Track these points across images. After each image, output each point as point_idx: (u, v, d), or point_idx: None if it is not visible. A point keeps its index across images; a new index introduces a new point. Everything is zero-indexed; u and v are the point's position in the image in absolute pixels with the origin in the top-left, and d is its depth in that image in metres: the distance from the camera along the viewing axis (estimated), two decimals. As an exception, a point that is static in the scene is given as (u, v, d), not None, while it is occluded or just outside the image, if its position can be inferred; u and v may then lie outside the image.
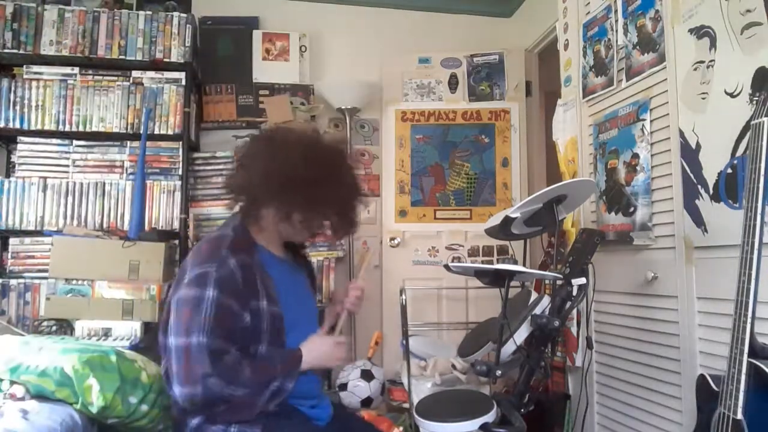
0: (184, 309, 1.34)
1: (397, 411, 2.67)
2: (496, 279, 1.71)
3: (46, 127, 2.59)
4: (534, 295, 2.07)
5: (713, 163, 1.65)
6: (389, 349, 3.09)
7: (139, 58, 2.66)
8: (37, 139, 2.63)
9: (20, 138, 2.61)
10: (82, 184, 2.61)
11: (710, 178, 1.66)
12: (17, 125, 2.57)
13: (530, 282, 2.42)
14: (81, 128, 2.62)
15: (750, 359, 1.23)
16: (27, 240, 2.55)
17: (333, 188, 1.46)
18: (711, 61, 1.66)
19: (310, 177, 1.42)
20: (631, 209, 2.01)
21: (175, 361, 1.33)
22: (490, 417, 1.63)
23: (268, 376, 1.37)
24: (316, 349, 1.48)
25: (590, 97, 2.29)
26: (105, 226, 2.60)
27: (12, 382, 1.53)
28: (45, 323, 2.32)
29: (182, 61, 2.69)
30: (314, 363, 1.46)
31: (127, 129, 2.65)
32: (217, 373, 1.30)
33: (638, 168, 1.98)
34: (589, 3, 2.33)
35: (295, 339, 1.47)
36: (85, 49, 2.62)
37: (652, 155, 1.93)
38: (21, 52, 2.57)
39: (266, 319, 1.40)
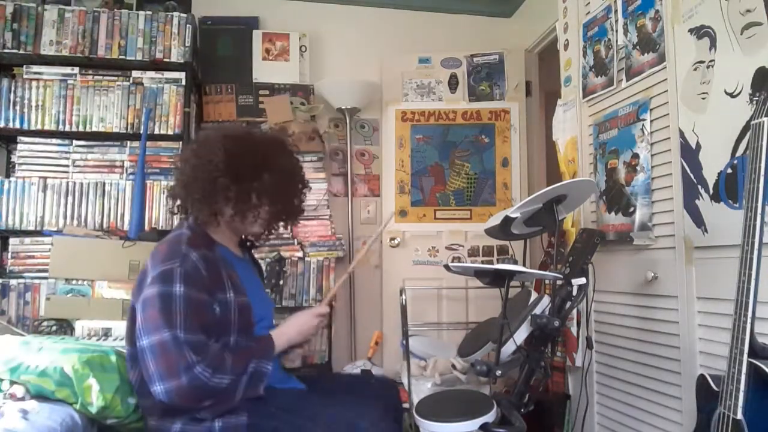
0: (151, 308, 1.32)
1: (397, 411, 2.67)
2: (496, 279, 1.71)
3: (46, 127, 2.59)
4: (534, 295, 2.07)
5: (713, 163, 1.65)
6: (389, 349, 3.09)
7: (139, 58, 2.66)
8: (37, 139, 2.62)
9: (20, 138, 2.61)
10: (82, 184, 2.61)
11: (710, 178, 1.66)
12: (17, 125, 2.57)
13: (530, 282, 2.42)
14: (81, 128, 2.62)
15: (750, 359, 1.23)
16: (27, 240, 2.55)
17: (267, 177, 1.47)
18: (711, 61, 1.66)
19: (237, 169, 1.44)
20: (631, 209, 2.01)
21: (151, 359, 1.30)
22: (490, 417, 1.62)
23: (247, 360, 1.39)
24: (291, 324, 1.55)
25: (590, 97, 2.29)
26: (105, 226, 2.60)
27: (12, 382, 1.53)
28: (45, 323, 2.31)
29: (182, 61, 2.69)
30: (292, 336, 1.53)
31: (127, 129, 2.65)
32: (205, 363, 1.30)
33: (638, 168, 1.98)
34: (589, 3, 2.33)
35: (262, 327, 1.52)
36: (85, 49, 2.62)
37: (652, 155, 1.93)
38: (21, 52, 2.57)
39: (234, 310, 1.42)
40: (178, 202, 1.54)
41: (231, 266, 1.49)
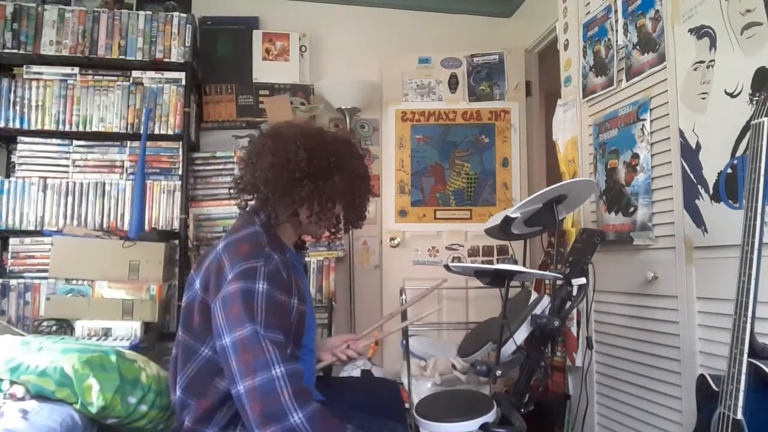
0: (234, 305, 1.25)
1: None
2: (496, 279, 1.71)
3: (46, 127, 2.59)
4: (534, 295, 2.06)
5: (713, 163, 1.65)
6: (389, 349, 3.09)
7: (139, 58, 2.66)
8: (37, 139, 2.63)
9: (20, 138, 2.61)
10: (82, 184, 2.61)
11: (710, 178, 1.66)
12: (17, 125, 2.58)
13: (530, 282, 2.42)
14: (81, 128, 2.62)
15: (750, 359, 1.24)
16: (27, 240, 2.55)
17: (339, 179, 1.43)
18: (711, 61, 1.66)
19: (315, 169, 1.39)
20: (631, 209, 2.01)
21: (233, 356, 1.22)
22: (490, 417, 1.62)
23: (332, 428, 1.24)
24: None
25: (590, 97, 2.29)
26: (105, 226, 2.60)
27: (12, 382, 1.53)
28: (45, 323, 2.31)
29: (182, 61, 2.69)
30: None
31: (127, 129, 2.65)
32: (286, 370, 1.20)
33: (638, 168, 1.98)
34: (589, 3, 2.33)
35: (309, 338, 1.45)
36: (85, 49, 2.62)
37: (652, 155, 1.93)
38: (21, 52, 2.57)
39: (294, 317, 1.36)
40: (248, 196, 1.47)
41: (297, 271, 1.44)
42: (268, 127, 1.63)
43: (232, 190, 1.52)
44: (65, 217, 2.58)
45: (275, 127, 1.53)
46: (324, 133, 1.52)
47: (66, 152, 2.65)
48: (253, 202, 1.48)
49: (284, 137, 1.44)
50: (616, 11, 2.14)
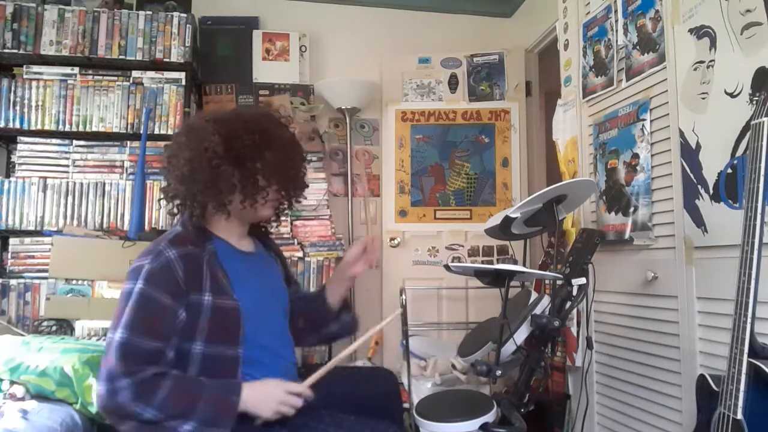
0: (118, 305, 1.26)
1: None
2: (496, 279, 1.71)
3: (46, 127, 2.59)
4: (534, 295, 2.07)
5: (713, 163, 1.65)
6: (389, 349, 3.08)
7: (139, 58, 2.66)
8: (37, 139, 2.62)
9: (20, 138, 2.61)
10: (82, 184, 2.61)
11: (710, 178, 1.66)
12: (17, 125, 2.57)
13: (530, 282, 2.42)
14: (81, 128, 2.62)
15: (750, 359, 1.24)
16: (27, 240, 2.55)
17: (270, 155, 1.37)
18: (711, 61, 1.66)
19: (237, 152, 1.33)
20: (631, 209, 2.01)
21: (103, 357, 1.22)
22: (490, 417, 1.63)
23: (185, 408, 1.19)
24: (258, 392, 1.29)
25: (590, 97, 2.29)
26: (105, 226, 2.60)
27: (12, 382, 1.54)
28: (45, 323, 2.31)
29: (182, 61, 2.69)
30: (250, 407, 1.27)
31: (127, 129, 2.65)
32: (132, 379, 1.17)
33: (638, 168, 1.98)
34: (589, 3, 2.33)
35: (257, 333, 1.37)
36: (85, 49, 2.62)
37: (652, 155, 1.93)
38: (21, 52, 2.57)
39: (207, 313, 1.29)
40: (177, 201, 1.40)
41: (222, 264, 1.36)
42: (182, 125, 1.54)
43: (161, 201, 1.47)
44: (65, 217, 2.57)
45: (188, 122, 1.46)
46: (241, 113, 1.44)
47: (66, 152, 2.65)
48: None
49: (197, 129, 1.38)
50: (616, 11, 2.14)
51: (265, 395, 1.28)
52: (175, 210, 1.43)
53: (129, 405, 1.16)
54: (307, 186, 1.53)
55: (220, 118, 1.41)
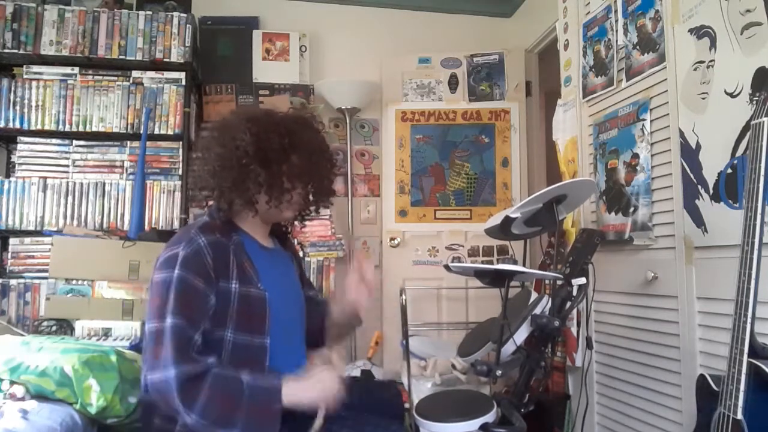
0: (155, 294, 1.27)
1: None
2: (496, 279, 1.71)
3: (46, 127, 2.59)
4: (534, 295, 2.07)
5: (713, 163, 1.65)
6: (389, 349, 3.09)
7: (139, 58, 2.66)
8: (37, 139, 2.62)
9: (20, 138, 2.61)
10: (82, 184, 2.61)
11: (710, 178, 1.66)
12: (17, 125, 2.57)
13: (530, 282, 2.42)
14: (81, 128, 2.62)
15: (750, 359, 1.24)
16: (27, 240, 2.55)
17: (297, 158, 1.38)
18: (711, 61, 1.66)
19: (265, 153, 1.35)
20: (631, 209, 2.01)
21: (147, 345, 1.24)
22: (490, 417, 1.62)
23: (227, 416, 1.20)
24: (310, 387, 1.28)
25: (590, 97, 2.29)
26: (105, 226, 2.60)
27: (12, 382, 1.53)
28: (45, 323, 2.31)
29: (182, 61, 2.69)
30: (303, 398, 1.26)
31: (127, 129, 2.65)
32: (179, 373, 1.19)
33: (638, 168, 1.98)
34: (589, 3, 2.33)
35: (281, 324, 1.38)
36: (85, 49, 2.62)
37: (652, 155, 1.93)
38: (21, 52, 2.57)
39: (235, 302, 1.31)
40: (206, 192, 1.41)
41: (247, 255, 1.39)
42: (216, 120, 1.57)
43: (190, 191, 1.49)
44: (65, 217, 2.58)
45: (222, 117, 1.47)
46: (273, 114, 1.45)
47: (66, 152, 2.65)
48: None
49: (230, 126, 1.40)
50: (616, 11, 2.14)
51: (321, 387, 1.28)
52: (204, 203, 1.45)
53: (174, 399, 1.18)
54: (335, 193, 1.54)
55: (253, 116, 1.42)
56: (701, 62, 1.70)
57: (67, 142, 2.65)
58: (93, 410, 1.50)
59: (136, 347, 2.11)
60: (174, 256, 1.28)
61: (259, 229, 1.48)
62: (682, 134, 1.77)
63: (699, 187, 1.70)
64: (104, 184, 2.63)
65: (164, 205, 2.67)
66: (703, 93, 1.69)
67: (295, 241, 2.85)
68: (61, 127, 2.60)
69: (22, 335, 2.03)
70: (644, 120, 1.96)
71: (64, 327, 2.31)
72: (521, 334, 1.74)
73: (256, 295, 1.35)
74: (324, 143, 1.48)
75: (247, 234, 1.44)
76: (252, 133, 1.35)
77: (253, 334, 1.34)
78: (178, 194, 2.69)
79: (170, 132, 2.68)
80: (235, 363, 1.30)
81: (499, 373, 1.61)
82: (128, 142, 2.69)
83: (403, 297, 2.63)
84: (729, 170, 1.59)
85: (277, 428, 1.23)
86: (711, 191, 1.65)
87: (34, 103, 2.59)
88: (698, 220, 1.70)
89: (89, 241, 2.41)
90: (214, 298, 1.29)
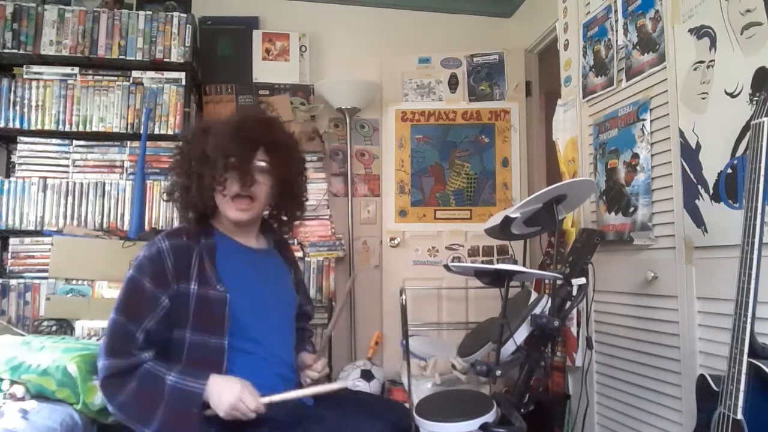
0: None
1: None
2: (496, 279, 1.71)
3: (46, 127, 2.59)
4: (534, 295, 2.07)
5: (713, 163, 1.65)
6: (389, 349, 3.09)
7: (139, 58, 2.66)
8: (37, 139, 2.62)
9: (20, 138, 2.61)
10: (82, 184, 2.61)
11: (710, 178, 1.66)
12: (17, 125, 2.57)
13: (530, 282, 2.42)
14: (81, 128, 2.62)
15: (750, 359, 1.24)
16: (27, 240, 2.55)
17: (204, 151, 1.42)
18: (711, 61, 1.66)
19: (193, 152, 1.45)
20: (631, 209, 2.01)
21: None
22: (490, 417, 1.62)
23: (142, 413, 1.25)
24: (222, 387, 1.28)
25: (590, 97, 2.29)
26: (105, 226, 2.60)
27: (12, 382, 1.54)
28: (45, 323, 2.31)
29: (182, 61, 2.69)
30: (214, 402, 1.27)
31: (127, 129, 2.65)
32: (108, 365, 1.27)
33: (638, 168, 1.98)
34: (589, 3, 2.33)
35: (249, 326, 1.39)
36: (85, 49, 2.62)
37: (652, 155, 1.93)
38: (21, 52, 2.57)
39: (193, 303, 1.34)
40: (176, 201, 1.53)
41: (216, 256, 1.41)
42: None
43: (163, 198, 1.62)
44: (65, 217, 2.58)
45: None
46: (227, 119, 1.52)
47: (66, 152, 2.65)
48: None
49: (189, 134, 1.55)
50: (616, 11, 2.14)
51: (227, 390, 1.27)
52: (189, 215, 1.53)
53: (102, 388, 1.29)
54: (253, 181, 1.43)
55: (201, 126, 1.55)
56: (701, 62, 1.70)
57: (67, 142, 2.65)
58: (95, 409, 1.50)
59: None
60: (137, 258, 1.39)
61: (238, 229, 1.51)
62: (682, 134, 1.77)
63: (699, 187, 1.70)
64: (104, 184, 2.63)
65: (164, 205, 2.67)
66: (703, 93, 1.69)
67: (295, 241, 2.86)
68: (61, 127, 2.60)
69: (22, 335, 2.03)
70: (644, 120, 1.96)
71: (64, 327, 2.31)
72: (521, 334, 1.74)
73: (215, 297, 1.37)
74: (239, 127, 1.44)
75: (225, 235, 1.49)
76: (186, 138, 1.51)
77: (211, 334, 1.36)
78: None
79: (170, 132, 2.68)
80: (193, 362, 1.33)
81: (498, 373, 1.61)
82: (128, 142, 2.69)
83: (403, 297, 2.63)
84: (729, 170, 1.59)
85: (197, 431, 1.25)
86: (711, 191, 1.65)
87: (34, 103, 2.59)
88: (698, 220, 1.70)
89: (89, 241, 2.41)
90: (166, 299, 1.34)
